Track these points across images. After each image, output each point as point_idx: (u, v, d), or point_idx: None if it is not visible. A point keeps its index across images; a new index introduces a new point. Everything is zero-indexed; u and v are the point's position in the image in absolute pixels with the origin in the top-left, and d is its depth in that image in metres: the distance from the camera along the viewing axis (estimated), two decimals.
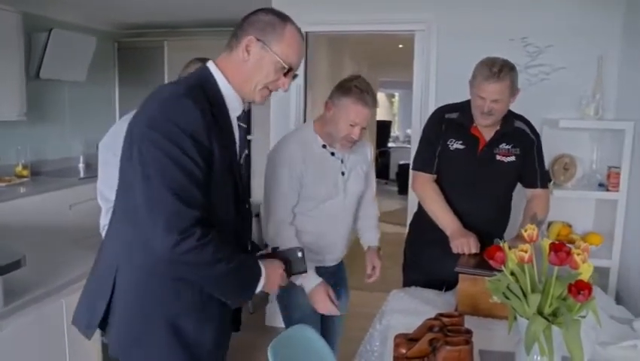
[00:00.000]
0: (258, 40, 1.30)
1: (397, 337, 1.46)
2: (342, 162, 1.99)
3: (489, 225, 2.08)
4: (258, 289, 1.37)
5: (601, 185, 2.80)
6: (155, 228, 1.16)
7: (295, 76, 1.39)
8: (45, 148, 4.28)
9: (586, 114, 2.71)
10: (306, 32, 3.37)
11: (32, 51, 4.10)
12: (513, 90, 1.98)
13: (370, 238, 2.19)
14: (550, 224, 2.93)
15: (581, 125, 2.73)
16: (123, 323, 1.32)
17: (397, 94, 12.71)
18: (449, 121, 2.11)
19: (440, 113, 2.17)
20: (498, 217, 2.18)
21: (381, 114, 10.66)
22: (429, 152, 2.13)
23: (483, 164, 2.08)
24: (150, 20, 4.87)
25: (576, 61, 2.89)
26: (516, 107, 2.93)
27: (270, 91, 1.38)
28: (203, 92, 1.27)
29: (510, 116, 2.13)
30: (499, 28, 2.95)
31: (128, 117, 1.75)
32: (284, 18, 1.34)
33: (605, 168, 2.82)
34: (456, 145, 2.09)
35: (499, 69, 1.91)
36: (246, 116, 1.46)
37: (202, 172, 1.21)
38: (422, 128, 2.25)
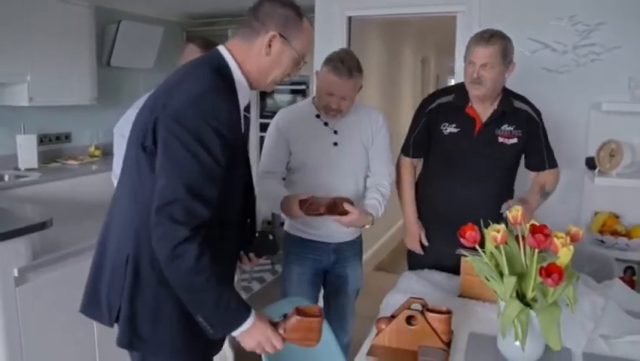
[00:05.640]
0: (281, 36, 1.29)
1: (379, 319, 1.52)
2: (335, 133, 1.98)
3: (490, 212, 1.76)
4: (237, 329, 1.24)
5: None
6: (160, 219, 1.17)
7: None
8: None
9: (637, 97, 2.50)
10: (349, 17, 3.39)
11: (103, 42, 4.47)
12: (506, 59, 1.91)
13: (369, 203, 1.95)
14: (595, 214, 2.75)
15: (625, 109, 2.52)
16: (132, 318, 1.29)
17: None
18: (441, 105, 2.07)
19: (430, 99, 2.15)
20: (499, 204, 1.90)
21: None
22: (409, 137, 2.17)
23: (480, 146, 2.00)
24: (215, 10, 5.10)
25: (632, 40, 2.66)
26: (561, 89, 2.79)
27: (280, 80, 1.40)
28: (226, 81, 1.27)
29: (508, 96, 2.03)
30: (545, 5, 2.79)
31: (139, 104, 1.86)
32: (299, 12, 1.34)
33: None
34: (450, 129, 2.03)
35: (490, 35, 1.91)
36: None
37: (222, 169, 1.22)
38: None
